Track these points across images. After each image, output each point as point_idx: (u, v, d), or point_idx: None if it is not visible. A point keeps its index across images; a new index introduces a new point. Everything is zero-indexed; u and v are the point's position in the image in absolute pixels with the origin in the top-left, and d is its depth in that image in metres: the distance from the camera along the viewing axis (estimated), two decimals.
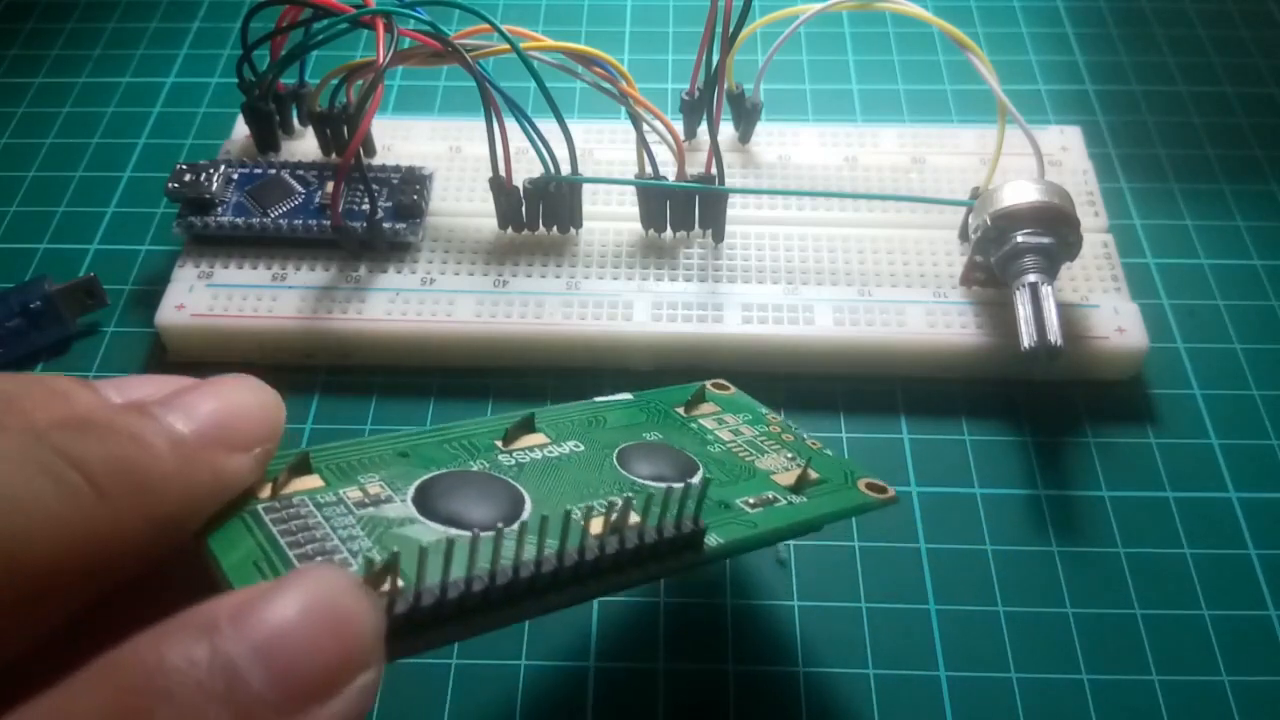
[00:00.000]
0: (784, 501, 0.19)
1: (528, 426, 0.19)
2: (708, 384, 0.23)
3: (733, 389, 0.23)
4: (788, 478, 0.19)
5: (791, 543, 0.24)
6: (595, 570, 0.15)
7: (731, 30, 0.26)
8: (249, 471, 0.14)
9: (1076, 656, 0.22)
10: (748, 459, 0.20)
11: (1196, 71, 0.36)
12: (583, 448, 0.19)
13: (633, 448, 0.19)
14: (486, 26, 0.25)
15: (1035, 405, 0.27)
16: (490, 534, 0.14)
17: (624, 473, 0.18)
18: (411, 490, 0.16)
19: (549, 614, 0.15)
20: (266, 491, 0.15)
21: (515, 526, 0.16)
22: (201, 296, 0.27)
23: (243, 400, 0.14)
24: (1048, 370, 0.25)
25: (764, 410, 0.23)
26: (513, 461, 0.18)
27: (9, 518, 0.11)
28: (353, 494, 0.16)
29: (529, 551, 0.15)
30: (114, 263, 0.30)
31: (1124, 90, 0.35)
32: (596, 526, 0.16)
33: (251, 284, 0.27)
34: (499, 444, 0.18)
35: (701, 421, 0.22)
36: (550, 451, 0.19)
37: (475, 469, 0.17)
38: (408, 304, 0.27)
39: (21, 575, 0.11)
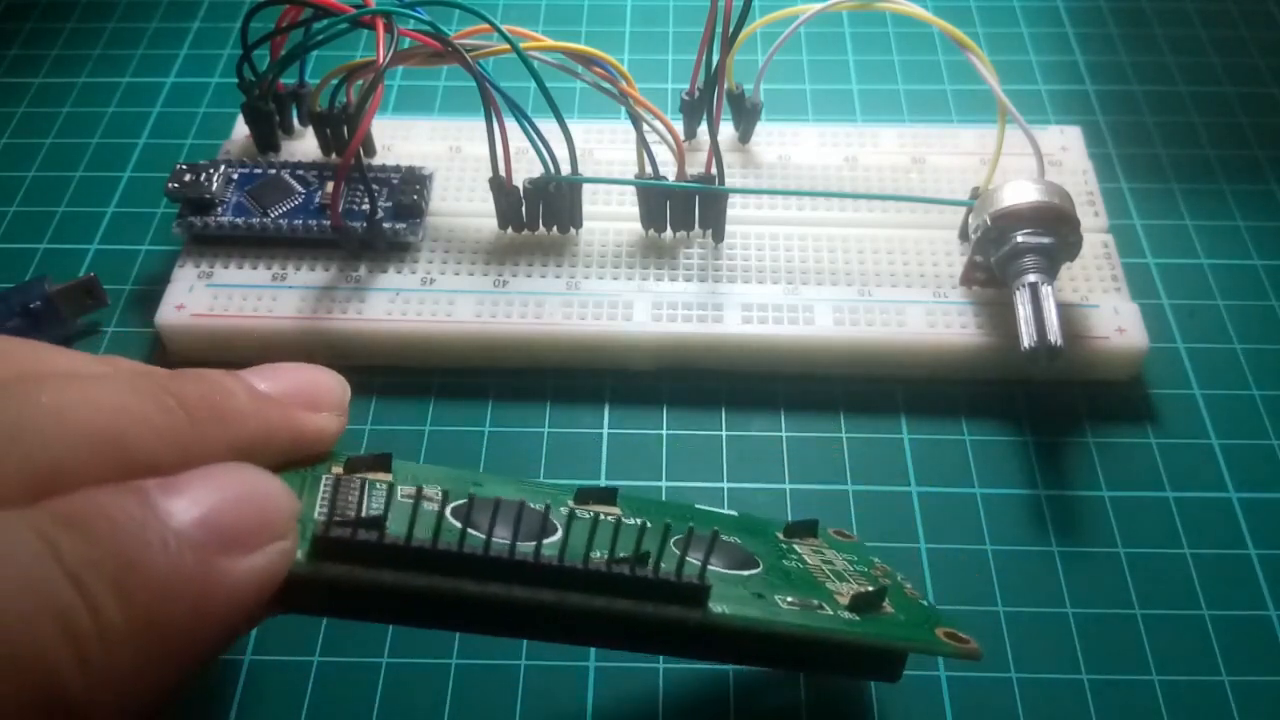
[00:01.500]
0: (829, 612, 0.17)
1: (606, 498, 0.19)
2: (830, 529, 0.22)
3: (855, 538, 0.23)
4: (847, 598, 0.18)
5: None
6: (553, 577, 0.15)
7: (731, 30, 0.26)
8: (320, 429, 0.17)
9: (1076, 656, 0.22)
10: (820, 579, 0.19)
11: (1196, 71, 0.36)
12: (650, 525, 0.17)
13: (698, 537, 0.18)
14: (486, 26, 0.25)
15: (1035, 405, 0.27)
16: (501, 541, 0.15)
17: (673, 550, 0.17)
18: (458, 500, 0.17)
19: (502, 628, 0.16)
20: (340, 469, 0.17)
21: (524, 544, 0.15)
22: (201, 296, 0.27)
23: (314, 375, 0.18)
24: (1048, 370, 0.25)
25: (875, 559, 0.22)
26: (571, 510, 0.18)
27: (119, 417, 0.14)
28: (408, 490, 0.17)
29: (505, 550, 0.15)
30: (114, 263, 0.30)
31: (1124, 90, 0.35)
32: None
33: (251, 284, 0.27)
34: (570, 502, 0.19)
35: (797, 546, 0.21)
36: (611, 519, 0.18)
37: (533, 506, 0.17)
38: (408, 304, 0.27)
39: (128, 465, 0.14)
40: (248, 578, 0.13)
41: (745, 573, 0.18)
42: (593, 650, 0.23)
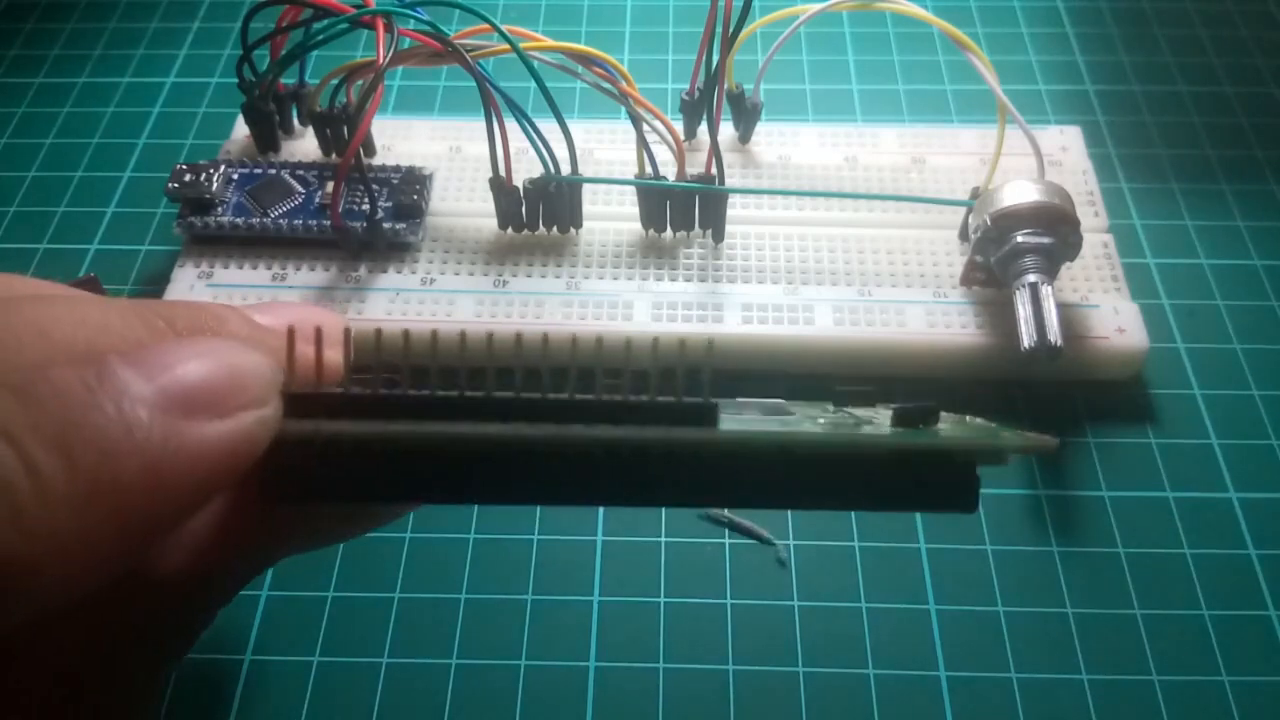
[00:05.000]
0: (866, 429, 0.15)
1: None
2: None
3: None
4: (889, 415, 0.15)
5: (791, 542, 0.24)
6: (561, 410, 0.14)
7: (731, 30, 0.26)
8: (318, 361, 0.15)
9: (1076, 656, 0.22)
10: (866, 417, 0.16)
11: (1196, 71, 0.36)
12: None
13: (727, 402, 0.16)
14: (486, 26, 0.25)
15: (1035, 405, 0.27)
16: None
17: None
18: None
19: (509, 466, 0.14)
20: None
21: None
22: (201, 296, 0.27)
23: (314, 312, 0.17)
24: (1048, 370, 0.25)
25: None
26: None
27: (103, 334, 0.13)
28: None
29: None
30: (114, 263, 0.30)
31: (1124, 90, 0.35)
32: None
33: (251, 284, 0.27)
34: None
35: (850, 408, 0.17)
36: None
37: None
38: (408, 304, 0.27)
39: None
40: (216, 442, 0.12)
41: (775, 416, 0.16)
42: (593, 650, 0.23)
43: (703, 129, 0.30)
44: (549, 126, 0.26)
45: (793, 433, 0.14)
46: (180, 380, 0.12)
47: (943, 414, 0.16)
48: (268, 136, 0.30)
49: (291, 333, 0.14)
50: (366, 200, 0.28)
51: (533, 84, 0.25)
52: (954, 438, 0.14)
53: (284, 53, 0.27)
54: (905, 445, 0.14)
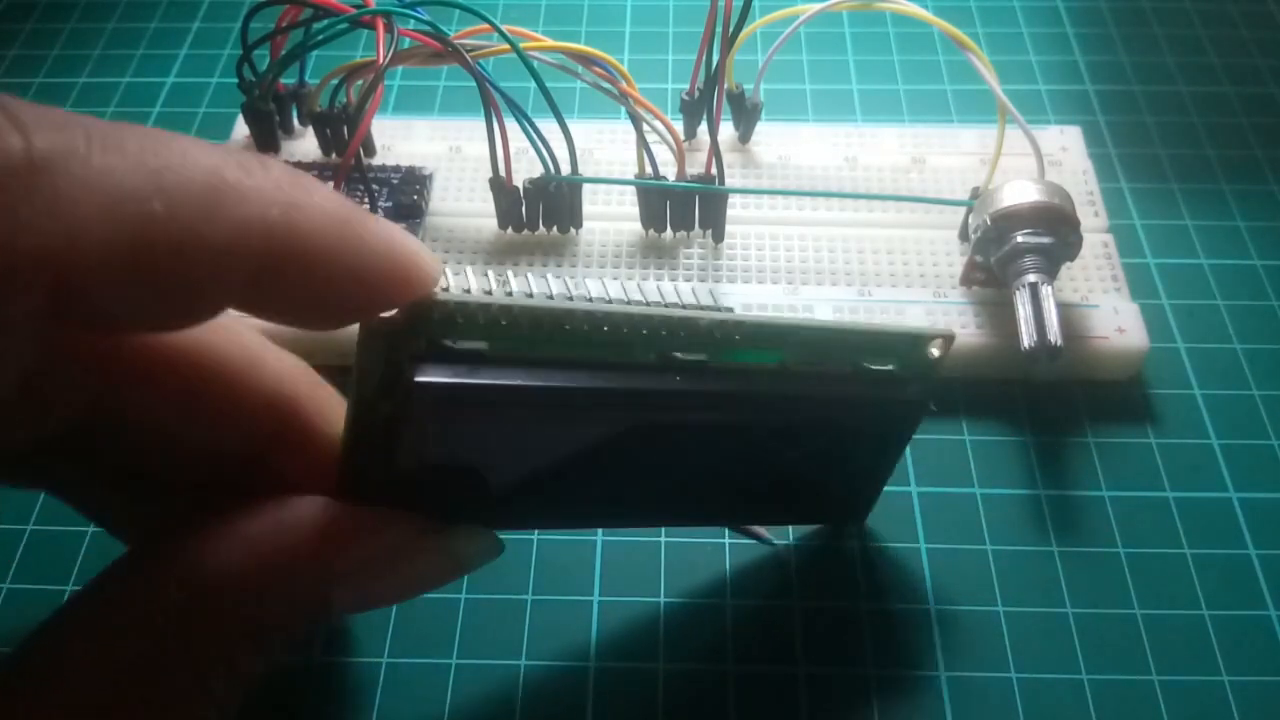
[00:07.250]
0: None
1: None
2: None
3: None
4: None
5: (791, 543, 0.24)
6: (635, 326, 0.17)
7: (731, 30, 0.26)
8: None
9: (1076, 656, 0.22)
10: None
11: (1196, 71, 0.36)
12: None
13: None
14: (486, 26, 0.25)
15: (1035, 405, 0.27)
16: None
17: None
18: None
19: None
20: None
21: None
22: None
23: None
24: (1048, 370, 0.25)
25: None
26: None
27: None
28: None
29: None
30: None
31: (1124, 90, 0.35)
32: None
33: None
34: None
35: None
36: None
37: None
38: None
39: None
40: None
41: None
42: (592, 650, 0.23)
43: (703, 129, 0.30)
44: (549, 126, 0.26)
45: (800, 319, 0.20)
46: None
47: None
48: (268, 136, 0.30)
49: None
50: (366, 200, 0.28)
51: (533, 84, 0.25)
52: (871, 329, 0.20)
53: (284, 53, 0.27)
54: (869, 329, 0.20)
